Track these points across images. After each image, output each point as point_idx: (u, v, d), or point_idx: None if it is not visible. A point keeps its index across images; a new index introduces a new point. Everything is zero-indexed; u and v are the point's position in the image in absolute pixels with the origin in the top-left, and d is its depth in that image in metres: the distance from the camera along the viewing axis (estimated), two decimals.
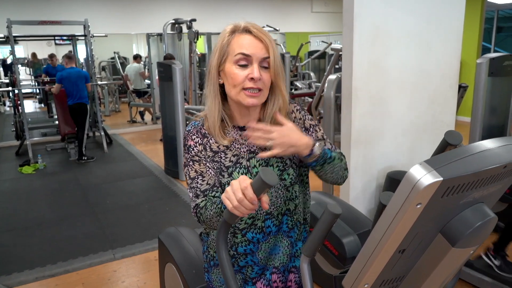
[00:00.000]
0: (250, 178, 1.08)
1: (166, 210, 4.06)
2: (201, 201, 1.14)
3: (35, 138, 7.16)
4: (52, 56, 8.36)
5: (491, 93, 3.46)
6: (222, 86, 1.16)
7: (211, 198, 1.14)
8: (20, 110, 6.41)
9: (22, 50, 12.60)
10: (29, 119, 7.10)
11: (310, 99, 7.90)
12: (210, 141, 1.18)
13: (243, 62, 1.09)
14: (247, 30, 1.11)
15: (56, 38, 9.63)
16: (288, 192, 1.19)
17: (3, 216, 4.01)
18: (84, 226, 3.72)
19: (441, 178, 0.66)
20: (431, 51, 2.65)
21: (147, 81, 9.07)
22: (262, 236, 1.19)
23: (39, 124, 7.81)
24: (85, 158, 6.01)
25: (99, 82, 8.82)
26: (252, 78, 1.08)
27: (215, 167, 1.16)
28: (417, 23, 2.55)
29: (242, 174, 1.15)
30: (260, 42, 1.10)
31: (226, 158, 1.17)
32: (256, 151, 1.18)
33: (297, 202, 1.22)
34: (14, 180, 5.19)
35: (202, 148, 1.18)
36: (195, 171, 1.17)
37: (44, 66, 10.03)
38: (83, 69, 7.44)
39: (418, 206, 0.69)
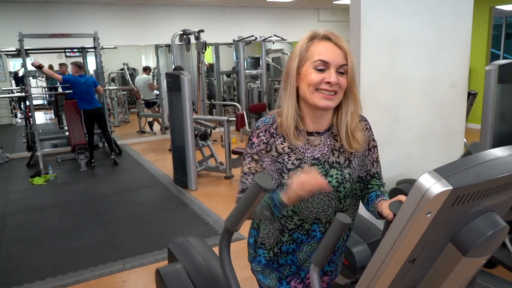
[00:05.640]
0: None
1: (175, 220, 4.07)
2: None
3: (46, 149, 7.24)
4: (62, 65, 8.52)
5: (500, 100, 3.43)
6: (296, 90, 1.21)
7: None
8: (31, 122, 6.50)
9: (40, 64, 12.78)
10: (40, 131, 7.18)
11: None
12: (277, 141, 1.20)
13: (321, 67, 1.13)
14: (326, 38, 1.15)
15: (66, 50, 9.76)
16: (340, 204, 1.23)
17: (14, 227, 4.05)
18: (94, 236, 3.73)
19: (451, 187, 0.65)
20: (439, 58, 2.64)
21: (156, 92, 9.16)
22: (306, 238, 1.24)
23: (49, 136, 7.89)
24: (116, 160, 6.42)
25: (109, 88, 8.94)
26: (328, 82, 1.12)
27: (277, 167, 1.19)
28: (424, 30, 2.55)
29: None
30: (339, 49, 1.14)
31: (289, 160, 1.19)
32: (320, 158, 1.20)
33: (347, 214, 1.26)
34: (25, 191, 5.25)
35: (264, 148, 1.20)
36: (249, 168, 1.23)
37: None
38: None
39: (428, 215, 0.69)
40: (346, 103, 1.20)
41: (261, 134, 1.21)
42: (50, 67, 10.81)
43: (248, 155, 1.22)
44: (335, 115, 1.23)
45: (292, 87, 1.18)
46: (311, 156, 1.20)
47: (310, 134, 1.22)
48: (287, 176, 1.18)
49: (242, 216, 1.05)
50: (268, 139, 1.20)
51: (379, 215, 1.17)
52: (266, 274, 1.31)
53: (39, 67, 5.99)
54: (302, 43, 1.17)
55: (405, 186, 2.56)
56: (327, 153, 1.21)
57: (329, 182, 1.19)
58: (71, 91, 6.41)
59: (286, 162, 1.19)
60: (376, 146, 1.32)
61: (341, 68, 1.14)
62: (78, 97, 6.16)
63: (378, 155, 1.33)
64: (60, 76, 6.34)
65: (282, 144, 1.20)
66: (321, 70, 1.13)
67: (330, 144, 1.23)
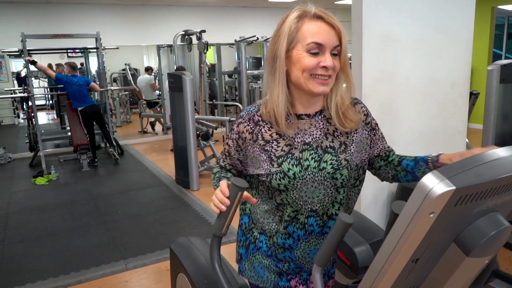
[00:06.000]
0: (300, 170, 1.10)
1: (177, 220, 4.07)
2: (217, 169, 1.30)
3: (48, 150, 7.26)
4: (59, 65, 8.62)
5: (503, 100, 3.43)
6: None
7: (223, 171, 1.28)
8: (34, 122, 6.52)
9: (34, 59, 12.81)
10: (42, 131, 7.20)
11: None
12: (263, 129, 1.14)
13: (315, 50, 1.05)
14: (318, 16, 1.06)
15: (68, 51, 9.80)
16: (338, 194, 1.14)
17: (16, 227, 4.06)
18: (96, 236, 3.74)
19: (454, 187, 0.65)
20: (441, 58, 2.64)
21: (158, 92, 9.18)
22: (303, 233, 1.16)
23: (52, 136, 7.92)
24: (115, 155, 6.50)
25: (111, 88, 8.99)
26: (324, 67, 1.05)
27: (266, 156, 1.13)
28: (426, 30, 2.55)
29: (292, 165, 1.10)
30: (332, 29, 1.06)
31: (278, 147, 1.13)
32: (311, 143, 1.13)
33: (345, 207, 1.19)
34: (28, 191, 5.26)
35: (250, 137, 1.16)
36: (224, 148, 1.27)
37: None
38: (95, 80, 7.62)
39: (431, 215, 0.69)
40: (337, 84, 1.13)
41: (244, 124, 1.17)
42: (49, 66, 10.87)
43: (229, 138, 1.24)
44: (325, 98, 1.16)
45: (282, 72, 1.09)
46: (301, 141, 1.13)
47: (299, 117, 1.14)
48: (277, 164, 1.11)
49: (226, 219, 1.08)
50: (252, 128, 1.15)
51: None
52: (265, 265, 1.23)
53: (33, 62, 6.04)
54: (290, 22, 1.07)
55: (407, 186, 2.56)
56: (319, 137, 1.13)
57: (324, 168, 1.11)
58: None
59: (275, 149, 1.12)
60: (377, 124, 1.27)
61: (335, 50, 1.06)
62: (72, 97, 6.24)
63: (381, 132, 1.29)
64: (53, 73, 6.42)
65: (269, 130, 1.14)
66: (315, 54, 1.05)
67: (323, 127, 1.15)
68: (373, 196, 2.65)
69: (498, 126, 3.45)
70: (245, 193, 1.05)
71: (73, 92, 6.15)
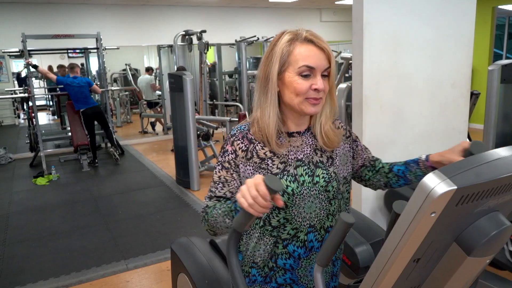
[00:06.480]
0: (297, 186, 1.12)
1: (178, 220, 4.08)
2: (212, 203, 1.16)
3: (48, 150, 7.26)
4: (61, 67, 8.64)
5: (503, 100, 3.43)
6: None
7: (222, 200, 1.16)
8: (34, 123, 6.53)
9: (36, 63, 12.82)
10: (43, 131, 7.21)
11: None
12: (257, 147, 1.15)
13: (306, 73, 1.08)
14: (309, 40, 1.09)
15: (69, 51, 9.80)
16: (331, 206, 1.18)
17: (17, 227, 4.07)
18: (97, 237, 3.74)
19: (456, 187, 0.65)
20: (442, 58, 2.64)
21: (158, 92, 9.19)
22: (304, 251, 1.17)
23: (52, 136, 7.93)
24: (115, 155, 6.53)
25: (111, 88, 9.00)
26: (316, 89, 1.09)
27: (262, 174, 1.10)
28: (427, 30, 2.55)
29: (290, 181, 1.13)
30: (322, 52, 1.09)
31: (274, 165, 1.14)
32: (304, 159, 1.17)
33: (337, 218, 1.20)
34: (28, 192, 5.27)
35: (244, 155, 1.15)
36: (219, 177, 1.17)
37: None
38: (95, 81, 7.62)
39: (433, 215, 0.69)
40: (324, 106, 1.16)
41: (237, 142, 1.16)
42: (50, 68, 10.87)
43: (220, 163, 1.17)
44: (311, 116, 1.20)
45: (274, 93, 1.11)
46: (294, 158, 1.16)
47: (290, 135, 1.18)
48: None
49: (252, 216, 1.00)
50: (247, 145, 1.15)
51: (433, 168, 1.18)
52: None
53: (35, 67, 6.04)
54: (282, 46, 1.10)
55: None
56: (310, 153, 1.18)
57: (317, 182, 1.15)
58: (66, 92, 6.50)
59: (271, 166, 1.14)
60: (358, 136, 1.33)
61: (325, 72, 1.10)
62: (73, 98, 6.25)
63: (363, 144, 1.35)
64: (54, 76, 6.43)
65: (263, 149, 1.15)
66: (306, 76, 1.08)
67: (312, 144, 1.19)
68: (374, 196, 2.65)
69: (498, 126, 3.45)
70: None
71: (74, 94, 6.16)
